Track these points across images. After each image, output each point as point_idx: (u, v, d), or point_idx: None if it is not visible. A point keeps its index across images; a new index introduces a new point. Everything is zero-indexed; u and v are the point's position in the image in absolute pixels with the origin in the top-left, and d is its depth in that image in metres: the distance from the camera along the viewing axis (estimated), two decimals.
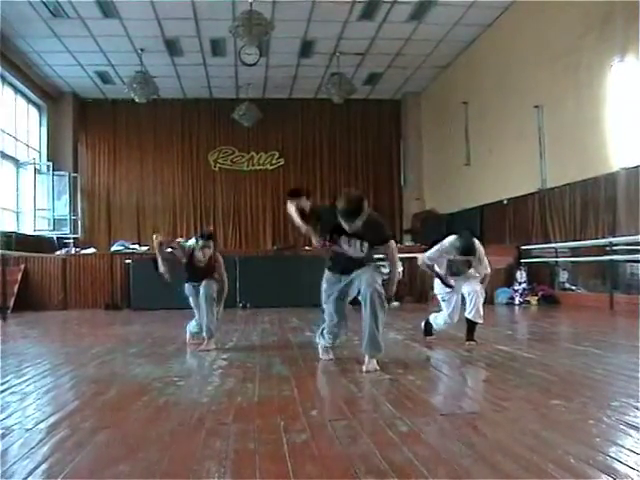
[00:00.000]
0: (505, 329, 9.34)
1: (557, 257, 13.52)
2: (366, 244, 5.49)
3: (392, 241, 5.60)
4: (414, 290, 14.60)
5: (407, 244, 17.70)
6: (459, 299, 7.08)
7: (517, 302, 13.17)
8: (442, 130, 19.52)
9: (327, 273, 5.87)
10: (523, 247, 14.28)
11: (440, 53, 17.67)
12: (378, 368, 5.29)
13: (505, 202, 15.34)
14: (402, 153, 21.99)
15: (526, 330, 9.57)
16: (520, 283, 13.43)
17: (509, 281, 13.78)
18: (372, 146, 21.52)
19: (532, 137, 13.86)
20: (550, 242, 13.51)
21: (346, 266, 5.65)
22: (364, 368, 5.31)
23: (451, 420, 3.63)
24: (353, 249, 5.53)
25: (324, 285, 5.89)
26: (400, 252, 15.39)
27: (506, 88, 15.11)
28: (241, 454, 2.98)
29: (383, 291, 5.42)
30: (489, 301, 13.29)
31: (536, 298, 13.05)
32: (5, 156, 17.47)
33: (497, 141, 15.76)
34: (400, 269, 5.22)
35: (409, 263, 14.54)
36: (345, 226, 5.28)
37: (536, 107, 13.66)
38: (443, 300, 7.09)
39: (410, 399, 4.21)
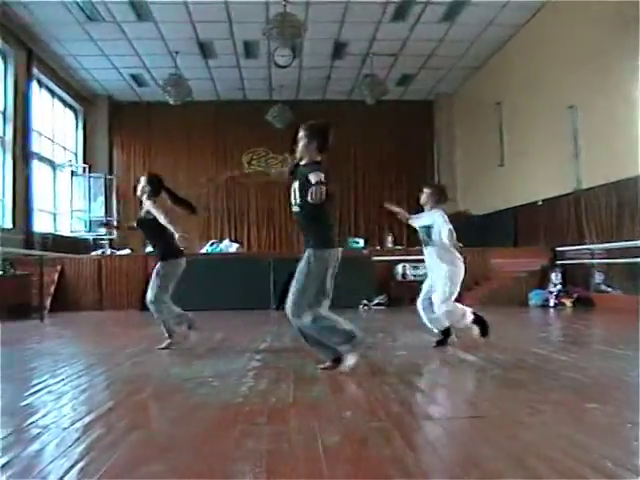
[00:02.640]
0: (539, 331, 9.27)
1: (592, 258, 13.37)
2: (298, 188, 5.31)
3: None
4: None
5: None
6: (427, 285, 7.14)
7: (552, 304, 13.03)
8: (475, 131, 19.43)
9: None
10: (558, 248, 14.15)
11: (473, 54, 17.57)
12: (344, 369, 5.25)
13: (539, 203, 15.20)
14: (435, 154, 21.91)
15: (560, 332, 9.49)
16: (555, 285, 13.32)
17: (543, 283, 13.68)
18: (405, 147, 21.41)
19: (566, 137, 13.72)
20: (585, 243, 13.35)
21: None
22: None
23: (484, 423, 3.61)
24: (292, 195, 5.42)
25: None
26: None
27: (540, 88, 14.98)
28: (275, 455, 2.99)
29: (299, 300, 5.27)
30: (523, 303, 13.26)
31: (571, 300, 12.91)
32: (42, 158, 17.68)
33: (531, 142, 15.63)
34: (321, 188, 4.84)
35: None
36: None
37: (570, 107, 13.53)
38: None
39: (444, 401, 4.20)
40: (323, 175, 5.01)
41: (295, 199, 5.36)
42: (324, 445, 3.13)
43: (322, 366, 5.38)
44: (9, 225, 15.11)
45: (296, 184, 5.36)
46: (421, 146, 21.79)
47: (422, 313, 7.11)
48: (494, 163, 17.47)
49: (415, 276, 14.25)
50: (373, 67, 17.68)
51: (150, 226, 7.43)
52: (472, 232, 17.03)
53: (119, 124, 21.39)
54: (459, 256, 6.95)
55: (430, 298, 7.00)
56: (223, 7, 14.31)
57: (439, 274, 6.90)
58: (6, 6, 14.19)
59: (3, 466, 2.88)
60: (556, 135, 14.22)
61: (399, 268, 14.34)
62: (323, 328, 5.25)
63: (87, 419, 3.89)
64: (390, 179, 21.53)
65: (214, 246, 15.94)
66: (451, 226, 6.87)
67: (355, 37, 16.25)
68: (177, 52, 16.90)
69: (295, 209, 5.39)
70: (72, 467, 2.88)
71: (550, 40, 14.43)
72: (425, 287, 7.15)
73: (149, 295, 7.29)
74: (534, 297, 13.44)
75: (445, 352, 6.65)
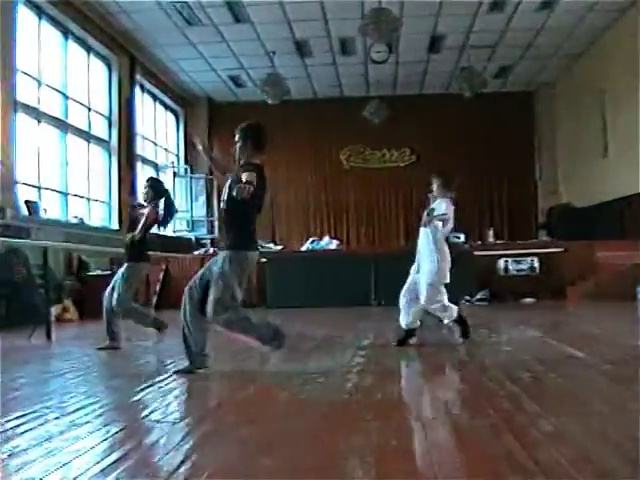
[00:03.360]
0: None
1: None
2: (229, 186, 5.36)
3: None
4: (551, 285, 14.17)
5: (544, 239, 17.26)
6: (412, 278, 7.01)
7: None
8: (577, 121, 18.91)
9: None
10: None
11: (574, 41, 17.08)
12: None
13: None
14: (536, 146, 21.46)
15: None
16: None
17: None
18: (505, 140, 21.00)
19: None
20: None
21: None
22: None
23: (598, 419, 3.52)
24: (223, 192, 5.50)
25: None
26: (536, 247, 15.04)
27: None
28: (383, 451, 2.99)
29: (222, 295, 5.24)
30: (631, 297, 12.83)
31: None
32: (146, 161, 18.17)
33: (637, 130, 15.11)
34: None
35: (545, 258, 14.21)
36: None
37: None
38: None
39: (553, 397, 4.11)
40: (255, 177, 5.18)
41: (223, 196, 5.49)
42: (433, 441, 3.12)
43: None
44: (115, 226, 15.59)
45: (228, 182, 5.48)
46: (521, 138, 21.34)
47: (403, 304, 6.99)
48: (598, 153, 16.98)
49: (518, 270, 14.05)
50: (470, 60, 17.44)
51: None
52: (576, 225, 16.65)
53: (218, 125, 21.70)
54: (446, 249, 6.95)
55: (415, 290, 6.91)
56: (318, 5, 14.37)
57: (426, 263, 6.86)
58: (110, 15, 14.65)
59: (118, 459, 2.96)
60: None
61: (501, 263, 14.14)
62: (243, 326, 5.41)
63: (196, 414, 3.99)
64: (489, 172, 21.22)
65: (314, 243, 16.04)
66: (448, 217, 6.84)
67: (451, 30, 16.06)
68: (274, 52, 17.06)
69: (222, 205, 5.51)
70: (184, 461, 2.94)
71: None
72: (411, 274, 7.05)
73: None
74: None
75: (551, 347, 6.53)
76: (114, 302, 7.47)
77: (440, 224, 6.91)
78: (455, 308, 6.94)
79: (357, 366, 5.57)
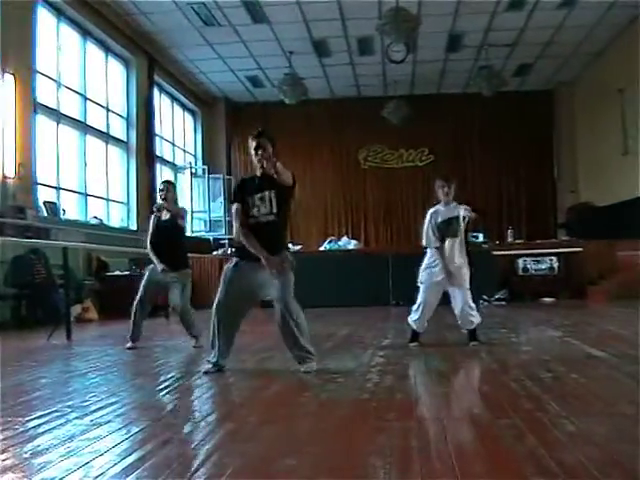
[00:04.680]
0: None
1: None
2: (274, 195, 5.35)
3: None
4: (571, 285, 14.11)
5: (563, 238, 17.16)
6: (439, 293, 6.90)
7: None
8: (597, 119, 18.78)
9: (233, 263, 5.61)
10: None
11: (594, 39, 16.96)
12: (313, 369, 5.27)
13: None
14: (554, 145, 21.35)
15: None
16: None
17: None
18: (524, 139, 20.92)
19: None
20: None
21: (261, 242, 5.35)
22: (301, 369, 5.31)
23: (622, 420, 3.48)
24: (264, 207, 5.36)
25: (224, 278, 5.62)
26: (555, 247, 14.92)
27: None
28: (405, 451, 2.97)
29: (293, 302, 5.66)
30: None
31: None
32: (164, 161, 18.24)
33: None
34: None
35: (565, 258, 14.13)
36: (255, 159, 5.37)
37: None
38: (421, 282, 6.95)
39: (575, 398, 4.08)
40: None
41: (271, 208, 5.40)
42: (454, 441, 3.10)
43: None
44: (134, 227, 15.66)
45: (268, 194, 5.39)
46: (540, 137, 21.24)
47: None
48: (617, 152, 16.86)
49: (537, 270, 13.99)
50: (489, 58, 17.36)
51: (172, 232, 7.82)
52: (596, 224, 16.53)
53: (236, 125, 21.77)
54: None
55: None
56: (336, 5, 14.37)
57: (466, 270, 7.00)
58: (128, 16, 14.73)
59: (139, 458, 2.97)
60: None
61: (520, 263, 14.08)
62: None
63: (218, 413, 3.99)
64: (508, 172, 21.16)
65: (332, 243, 16.03)
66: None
67: (470, 29, 16.01)
68: (291, 52, 17.08)
69: (270, 218, 5.40)
70: (205, 460, 2.94)
71: None
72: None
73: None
74: None
75: (572, 347, 6.49)
76: (179, 307, 7.56)
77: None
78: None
79: (377, 366, 5.57)
